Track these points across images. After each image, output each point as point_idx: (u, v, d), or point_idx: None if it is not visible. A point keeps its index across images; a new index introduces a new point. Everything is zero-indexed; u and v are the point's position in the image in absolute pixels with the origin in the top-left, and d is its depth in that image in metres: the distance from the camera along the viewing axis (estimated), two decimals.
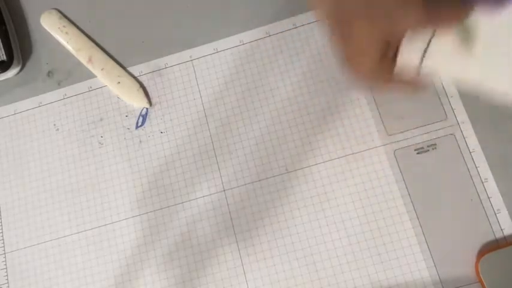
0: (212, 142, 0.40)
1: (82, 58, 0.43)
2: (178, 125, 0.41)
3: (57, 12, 0.45)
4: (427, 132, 0.38)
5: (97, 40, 0.44)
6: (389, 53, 0.24)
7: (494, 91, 0.24)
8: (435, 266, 0.35)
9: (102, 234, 0.39)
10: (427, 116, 0.38)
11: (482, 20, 0.22)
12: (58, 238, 0.40)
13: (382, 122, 0.39)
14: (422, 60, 0.24)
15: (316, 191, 0.38)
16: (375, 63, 0.24)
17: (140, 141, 0.41)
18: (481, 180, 0.36)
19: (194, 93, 0.42)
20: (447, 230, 0.36)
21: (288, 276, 0.37)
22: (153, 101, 0.42)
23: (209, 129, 0.41)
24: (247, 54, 0.42)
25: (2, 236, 0.41)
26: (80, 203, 0.40)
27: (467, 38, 0.23)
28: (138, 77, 0.43)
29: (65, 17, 0.45)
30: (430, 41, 0.24)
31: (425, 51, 0.24)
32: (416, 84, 0.26)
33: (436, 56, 0.24)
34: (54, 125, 0.43)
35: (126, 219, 0.39)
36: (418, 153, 0.38)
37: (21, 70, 0.45)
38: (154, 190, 0.40)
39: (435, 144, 0.38)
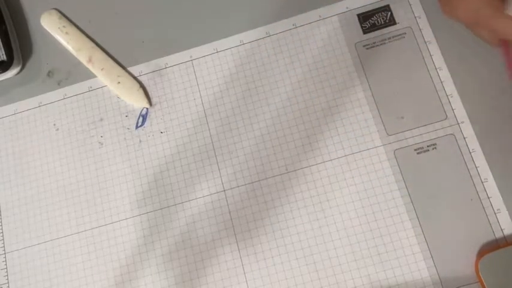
0: (212, 142, 0.40)
1: (82, 58, 0.43)
2: (178, 125, 0.41)
3: (57, 12, 0.45)
4: (427, 132, 0.38)
5: (97, 40, 0.44)
6: None
7: None
8: (435, 266, 0.35)
9: (102, 234, 0.39)
10: (427, 116, 0.38)
11: None
12: (58, 238, 0.40)
13: (382, 122, 0.39)
14: None
15: (316, 191, 0.38)
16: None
17: (140, 141, 0.41)
18: (481, 180, 0.36)
19: (194, 93, 0.42)
20: (447, 230, 0.36)
21: (288, 276, 0.37)
22: (153, 101, 0.42)
23: (209, 129, 0.41)
24: (247, 54, 0.42)
25: (2, 236, 0.41)
26: (80, 203, 0.40)
27: None
28: (138, 77, 0.43)
29: (65, 17, 0.45)
30: None
31: None
32: None
33: None
34: (54, 125, 0.43)
35: (126, 219, 0.39)
36: (418, 153, 0.38)
37: (21, 70, 0.45)
38: (154, 190, 0.40)
39: (435, 144, 0.38)
